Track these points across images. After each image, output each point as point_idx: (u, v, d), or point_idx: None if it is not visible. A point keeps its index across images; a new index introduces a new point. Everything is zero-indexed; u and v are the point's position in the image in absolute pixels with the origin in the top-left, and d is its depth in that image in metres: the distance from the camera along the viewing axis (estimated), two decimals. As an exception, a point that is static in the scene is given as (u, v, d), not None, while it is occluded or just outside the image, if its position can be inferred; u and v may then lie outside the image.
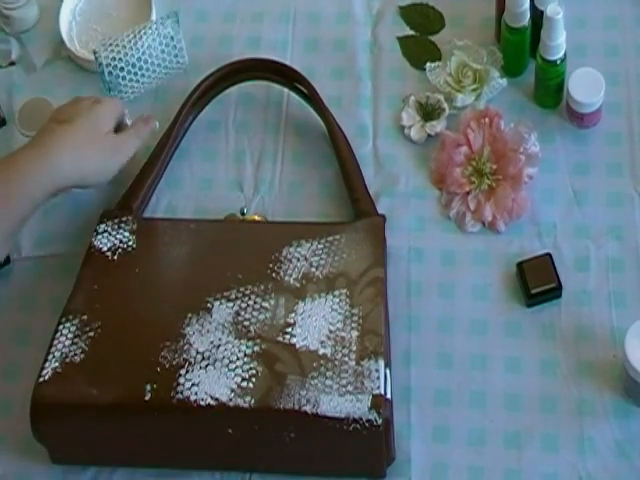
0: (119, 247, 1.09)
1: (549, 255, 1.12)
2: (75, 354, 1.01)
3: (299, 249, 1.07)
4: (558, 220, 1.15)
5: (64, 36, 1.28)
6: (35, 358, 1.04)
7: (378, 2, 1.31)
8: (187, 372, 0.99)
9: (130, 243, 1.09)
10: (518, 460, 1.04)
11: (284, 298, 1.04)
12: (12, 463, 1.05)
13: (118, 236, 1.10)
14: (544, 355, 1.08)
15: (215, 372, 0.98)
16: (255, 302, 1.03)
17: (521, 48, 1.21)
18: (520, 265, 1.11)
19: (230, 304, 1.03)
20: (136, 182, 1.16)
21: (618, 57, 1.23)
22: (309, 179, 1.20)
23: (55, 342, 1.02)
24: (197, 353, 1.00)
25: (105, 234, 1.10)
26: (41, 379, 1.00)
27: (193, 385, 0.98)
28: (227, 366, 0.99)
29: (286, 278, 1.05)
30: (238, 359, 0.99)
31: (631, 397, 1.05)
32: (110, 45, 1.22)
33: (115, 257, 1.08)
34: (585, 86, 1.16)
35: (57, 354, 1.01)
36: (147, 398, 0.97)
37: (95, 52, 1.22)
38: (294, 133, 1.23)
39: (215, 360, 0.99)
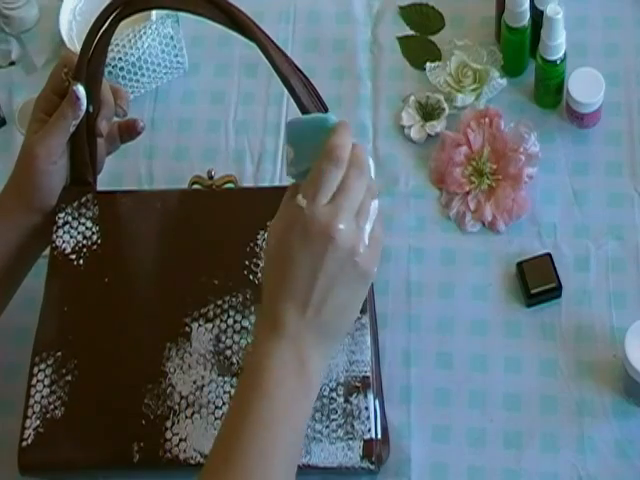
0: (84, 246, 1.04)
1: (549, 255, 1.12)
2: (55, 407, 0.98)
3: None
4: (558, 220, 1.15)
5: (64, 36, 1.28)
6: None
7: (378, 2, 1.30)
8: (173, 424, 0.96)
9: (94, 238, 1.04)
10: (518, 460, 1.04)
11: None
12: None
13: (80, 228, 1.05)
14: (544, 355, 1.08)
15: (202, 422, 0.96)
16: (235, 321, 0.99)
17: (521, 48, 1.21)
18: (520, 265, 1.11)
19: (209, 325, 0.99)
20: (78, 146, 1.05)
21: (618, 57, 1.23)
22: (309, 179, 1.20)
23: (32, 391, 0.99)
24: (181, 398, 0.97)
25: (66, 227, 1.05)
26: (24, 443, 0.97)
27: (181, 441, 0.95)
28: (213, 413, 0.96)
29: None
30: (224, 403, 0.96)
31: (631, 397, 1.05)
32: (110, 45, 1.21)
33: (81, 261, 1.03)
34: (585, 86, 1.16)
35: (36, 408, 0.98)
36: (135, 460, 0.95)
37: (95, 52, 1.22)
38: (294, 133, 1.23)
39: (200, 406, 0.96)
